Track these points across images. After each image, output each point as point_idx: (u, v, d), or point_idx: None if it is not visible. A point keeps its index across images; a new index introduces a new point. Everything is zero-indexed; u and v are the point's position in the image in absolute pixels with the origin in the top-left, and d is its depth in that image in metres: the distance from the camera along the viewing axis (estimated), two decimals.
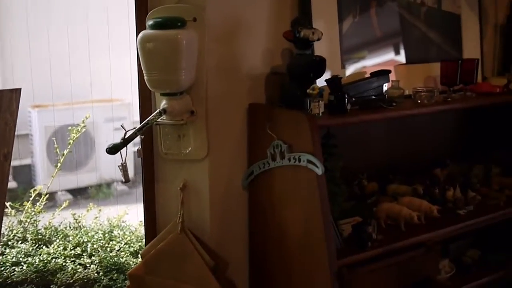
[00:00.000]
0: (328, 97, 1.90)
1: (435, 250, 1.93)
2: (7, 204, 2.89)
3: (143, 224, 2.13)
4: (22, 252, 2.68)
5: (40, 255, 2.65)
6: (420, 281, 1.92)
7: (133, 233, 2.91)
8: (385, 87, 2.11)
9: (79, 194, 4.83)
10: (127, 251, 2.76)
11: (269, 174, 1.94)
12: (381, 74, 2.09)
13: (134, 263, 2.65)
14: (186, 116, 1.88)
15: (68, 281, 2.54)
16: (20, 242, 2.81)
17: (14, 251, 2.69)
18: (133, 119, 4.27)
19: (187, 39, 1.77)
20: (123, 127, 1.80)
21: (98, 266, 2.64)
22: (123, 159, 1.83)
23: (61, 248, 2.73)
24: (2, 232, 2.40)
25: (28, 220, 2.93)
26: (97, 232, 2.91)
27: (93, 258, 2.69)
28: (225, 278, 2.02)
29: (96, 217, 3.10)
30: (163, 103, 1.83)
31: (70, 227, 3.01)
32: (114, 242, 2.82)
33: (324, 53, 2.01)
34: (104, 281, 2.57)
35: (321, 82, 1.91)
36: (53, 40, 3.91)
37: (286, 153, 1.83)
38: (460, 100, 2.19)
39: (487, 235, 2.38)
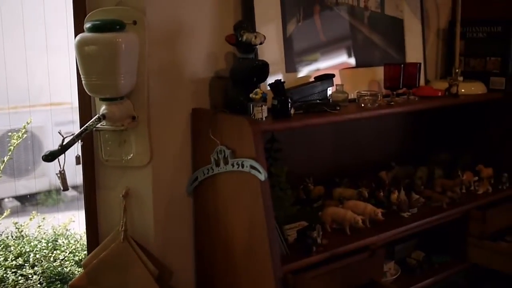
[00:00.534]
0: (271, 102, 1.88)
1: (379, 253, 1.95)
2: None
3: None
4: None
5: None
6: (365, 284, 1.93)
7: (78, 242, 2.83)
8: (330, 91, 2.12)
9: (27, 201, 4.67)
10: (72, 260, 2.68)
11: (213, 180, 1.91)
12: (325, 78, 2.10)
13: (79, 272, 2.57)
14: (127, 122, 1.83)
15: None
16: None
17: None
18: None
19: (127, 43, 1.73)
20: (60, 134, 1.74)
21: (41, 276, 2.55)
22: (61, 167, 1.77)
23: (2, 259, 2.63)
24: None
25: None
26: (40, 241, 2.81)
27: (35, 268, 2.60)
28: (170, 287, 1.98)
29: (40, 226, 3.00)
30: (102, 108, 1.78)
31: (12, 236, 2.91)
32: (58, 251, 2.73)
33: (269, 57, 2.00)
34: None
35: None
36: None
37: (229, 159, 1.81)
38: (403, 104, 2.21)
39: (431, 236, 2.41)
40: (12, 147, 2.91)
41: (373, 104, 2.10)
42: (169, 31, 1.89)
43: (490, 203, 2.41)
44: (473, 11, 2.59)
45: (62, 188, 1.79)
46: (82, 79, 1.75)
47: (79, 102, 1.94)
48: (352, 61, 2.32)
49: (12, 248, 2.73)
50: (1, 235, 2.88)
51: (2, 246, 2.76)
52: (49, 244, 2.79)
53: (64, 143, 1.73)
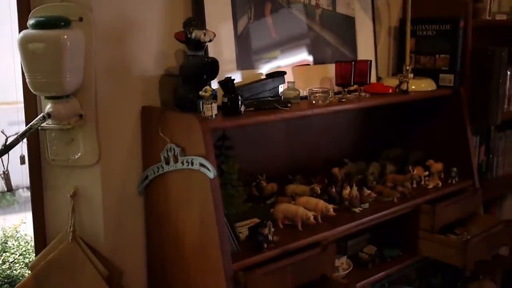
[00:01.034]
0: (222, 99, 1.87)
1: (331, 249, 1.96)
2: None
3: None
4: None
5: None
6: (317, 280, 1.94)
7: (28, 243, 2.77)
8: (281, 88, 2.12)
9: None
10: (22, 263, 2.63)
11: (164, 178, 1.90)
12: (277, 76, 2.10)
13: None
14: (73, 120, 1.80)
15: None
16: None
17: None
18: None
19: (72, 40, 1.69)
20: (3, 133, 1.69)
21: None
22: (5, 167, 1.73)
23: None
24: None
25: None
26: None
27: None
28: (121, 287, 1.95)
29: None
30: (47, 107, 1.74)
31: None
32: (7, 254, 2.67)
33: (219, 55, 1.99)
34: None
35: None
36: None
37: (179, 157, 1.80)
38: (354, 101, 2.24)
39: (383, 231, 2.45)
40: None
41: (324, 101, 2.11)
42: (117, 28, 1.86)
43: (440, 197, 2.46)
44: (423, 10, 2.64)
45: (6, 189, 1.75)
46: (26, 77, 1.71)
47: (24, 101, 1.89)
48: (304, 58, 2.33)
49: None
50: None
51: None
52: None
53: (7, 143, 1.69)
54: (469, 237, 2.40)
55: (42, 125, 1.73)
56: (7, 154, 1.71)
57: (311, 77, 2.35)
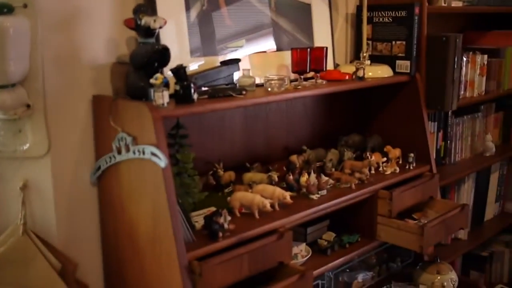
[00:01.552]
0: (174, 87, 1.85)
1: (287, 236, 1.96)
2: None
3: None
4: None
5: None
6: (274, 267, 1.94)
7: None
8: (236, 75, 2.10)
9: None
10: None
11: (116, 168, 1.86)
12: (231, 63, 2.08)
13: None
14: (20, 110, 1.75)
15: None
16: None
17: None
18: None
19: (15, 27, 1.64)
20: None
21: None
22: None
23: None
24: None
25: None
26: None
27: None
28: (76, 280, 1.92)
29: None
30: None
31: None
32: None
33: (172, 42, 1.97)
34: None
35: None
36: None
37: (131, 146, 1.77)
38: (310, 88, 2.23)
39: (343, 217, 2.46)
40: None
41: (280, 88, 2.10)
42: (65, 14, 1.81)
43: (397, 183, 2.48)
44: None
45: None
46: None
47: None
48: (261, 45, 2.31)
49: None
50: None
51: None
52: None
53: None
54: (425, 221, 2.43)
55: None
56: None
57: (268, 64, 2.33)
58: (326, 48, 2.33)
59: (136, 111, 1.74)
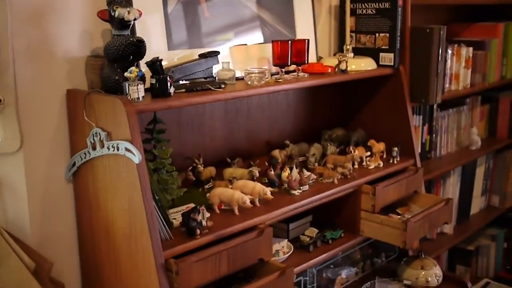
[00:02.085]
0: (150, 81, 1.80)
1: (268, 232, 1.92)
2: None
3: None
4: None
5: None
6: (254, 264, 1.90)
7: None
8: (215, 69, 2.06)
9: None
10: None
11: (92, 164, 1.82)
12: (210, 56, 2.03)
13: None
14: None
15: None
16: None
17: None
18: None
19: None
20: None
21: None
22: None
23: None
24: None
25: None
26: None
27: None
28: (51, 279, 1.87)
29: None
30: None
31: None
32: None
33: (148, 34, 1.92)
34: None
35: None
36: None
37: (105, 142, 1.72)
38: (291, 81, 2.19)
39: (326, 213, 2.43)
40: None
41: (260, 81, 2.06)
42: (36, 6, 1.76)
43: (381, 178, 2.45)
44: None
45: None
46: None
47: None
48: (240, 38, 2.27)
49: None
50: None
51: None
52: None
53: None
54: (409, 216, 2.40)
55: None
56: None
57: (249, 57, 2.29)
58: (308, 40, 2.28)
59: (110, 106, 1.69)
